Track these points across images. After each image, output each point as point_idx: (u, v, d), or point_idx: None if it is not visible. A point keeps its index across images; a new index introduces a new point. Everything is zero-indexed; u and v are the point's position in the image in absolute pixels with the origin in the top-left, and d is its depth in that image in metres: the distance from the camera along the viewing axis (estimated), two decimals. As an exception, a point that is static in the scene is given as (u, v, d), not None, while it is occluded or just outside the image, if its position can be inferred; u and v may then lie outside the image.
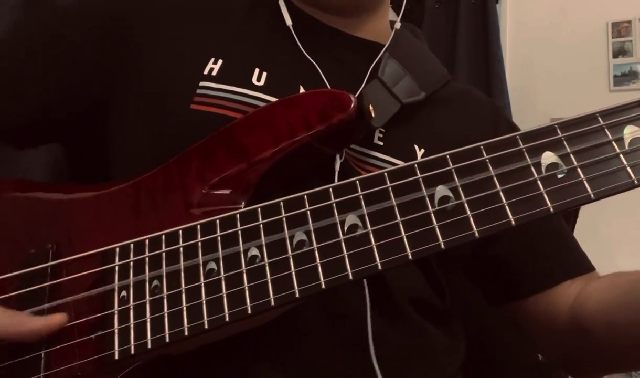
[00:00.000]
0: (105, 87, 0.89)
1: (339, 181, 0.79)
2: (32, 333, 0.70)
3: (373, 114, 0.84)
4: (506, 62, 3.50)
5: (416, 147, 0.90)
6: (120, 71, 0.89)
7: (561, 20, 3.55)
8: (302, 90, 0.87)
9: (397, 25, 0.99)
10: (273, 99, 0.84)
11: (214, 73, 0.86)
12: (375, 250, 0.66)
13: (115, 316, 0.71)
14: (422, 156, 0.89)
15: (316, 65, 0.89)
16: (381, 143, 0.88)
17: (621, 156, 0.64)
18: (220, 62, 0.87)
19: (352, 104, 0.78)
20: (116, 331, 0.70)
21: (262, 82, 0.86)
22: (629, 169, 0.63)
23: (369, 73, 0.91)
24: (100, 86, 0.90)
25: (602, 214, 2.71)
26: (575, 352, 0.94)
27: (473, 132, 0.95)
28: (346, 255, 0.66)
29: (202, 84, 0.85)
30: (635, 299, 0.80)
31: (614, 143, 0.65)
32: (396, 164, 0.87)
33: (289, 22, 0.92)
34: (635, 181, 0.63)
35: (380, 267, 0.66)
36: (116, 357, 0.69)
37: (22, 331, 0.70)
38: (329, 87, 0.87)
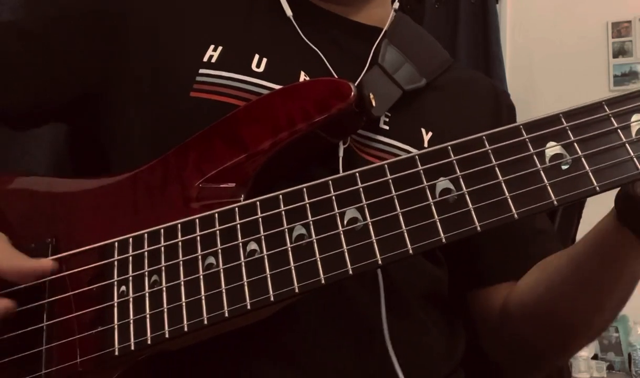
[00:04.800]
0: (103, 73, 0.89)
1: (343, 168, 0.79)
2: (10, 272, 0.71)
3: (374, 103, 0.83)
4: (506, 62, 3.49)
5: (423, 130, 0.89)
6: (119, 58, 0.88)
7: (561, 20, 3.54)
8: (302, 76, 0.86)
9: (396, 4, 0.98)
10: (273, 86, 0.83)
11: (213, 60, 0.85)
12: (375, 244, 0.65)
13: (115, 312, 0.70)
14: (430, 139, 0.88)
15: (318, 51, 0.88)
16: (387, 127, 0.87)
17: (627, 145, 0.62)
18: (220, 49, 0.86)
19: (352, 93, 0.77)
20: (116, 327, 0.70)
21: (261, 69, 0.85)
22: (635, 160, 0.62)
23: (369, 59, 0.90)
24: (98, 72, 0.89)
25: (604, 213, 2.70)
26: (507, 346, 0.96)
27: (476, 114, 0.96)
28: (346, 250, 0.66)
29: (201, 71, 0.84)
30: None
31: (620, 132, 0.63)
32: (403, 149, 0.86)
33: (289, 12, 0.91)
34: None
35: (380, 262, 0.65)
36: (116, 354, 0.69)
37: (19, 266, 0.71)
38: (332, 72, 0.87)
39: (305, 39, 0.89)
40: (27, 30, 0.91)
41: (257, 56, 0.86)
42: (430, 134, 0.89)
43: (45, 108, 0.92)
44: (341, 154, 0.81)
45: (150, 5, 0.91)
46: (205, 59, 0.85)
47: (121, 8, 0.90)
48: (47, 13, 0.92)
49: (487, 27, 3.48)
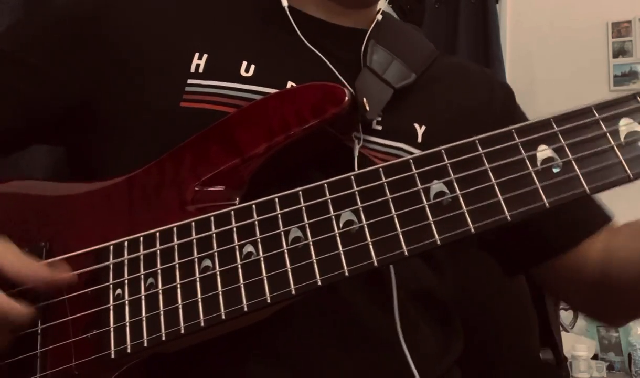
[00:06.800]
0: (90, 88, 0.88)
1: (358, 166, 0.80)
2: (37, 276, 0.71)
3: (367, 107, 0.83)
4: (506, 62, 3.49)
5: (416, 125, 0.89)
6: (105, 72, 0.87)
7: (561, 20, 3.54)
8: (289, 84, 0.85)
9: (379, 16, 0.98)
10: (263, 89, 0.83)
11: (200, 70, 0.85)
12: (371, 246, 0.66)
13: (111, 315, 0.71)
14: (423, 133, 0.88)
15: (315, 51, 0.88)
16: (380, 127, 0.87)
17: (616, 149, 0.63)
18: (205, 56, 0.85)
19: (347, 97, 0.77)
20: (112, 330, 0.70)
21: (250, 73, 0.85)
22: (624, 163, 0.63)
23: (361, 63, 0.90)
24: (84, 87, 0.88)
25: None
26: (604, 299, 0.96)
27: (469, 100, 0.96)
28: (342, 252, 0.66)
29: (190, 81, 0.84)
30: None
31: (609, 136, 0.64)
32: (397, 147, 0.87)
33: (285, 2, 0.91)
34: (631, 176, 0.62)
35: (376, 264, 0.65)
36: (112, 356, 0.69)
37: (26, 272, 0.70)
38: (320, 77, 0.86)
39: (303, 38, 0.89)
40: (11, 51, 0.90)
41: (245, 63, 0.86)
42: (423, 127, 0.89)
43: (34, 128, 0.91)
44: (356, 153, 0.82)
45: (132, 17, 0.89)
46: (193, 68, 0.85)
47: (104, 21, 0.89)
48: (24, 32, 0.92)
49: (487, 27, 3.48)
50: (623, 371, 2.95)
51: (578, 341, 2.83)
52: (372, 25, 0.95)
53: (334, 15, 0.94)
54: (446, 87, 0.97)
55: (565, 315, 3.05)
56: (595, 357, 2.93)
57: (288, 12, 0.90)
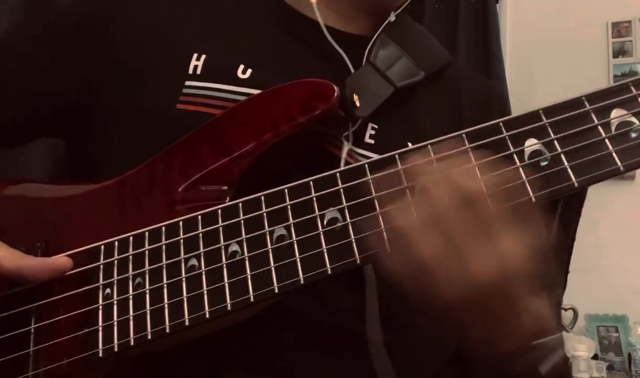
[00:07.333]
0: (90, 88, 0.87)
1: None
2: (36, 268, 0.72)
3: (358, 104, 0.82)
4: (506, 62, 3.48)
5: (410, 145, 0.87)
6: (105, 71, 0.87)
7: (561, 20, 3.53)
8: None
9: (392, 17, 0.94)
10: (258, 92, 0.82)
11: (198, 71, 0.84)
12: (354, 243, 0.65)
13: (100, 314, 0.71)
14: None
15: (332, 40, 0.87)
16: (372, 141, 0.85)
17: (607, 141, 0.62)
18: (203, 57, 0.85)
19: (335, 94, 0.76)
20: (100, 329, 0.70)
21: (247, 76, 0.84)
22: (614, 154, 0.61)
23: (364, 61, 0.88)
24: (85, 87, 0.88)
25: (603, 213, 2.70)
26: None
27: (467, 120, 0.92)
28: (325, 250, 0.66)
29: (187, 83, 0.83)
30: None
31: (599, 128, 0.63)
32: None
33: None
34: (621, 168, 0.61)
35: (358, 262, 0.65)
36: (100, 355, 0.69)
37: (21, 265, 0.72)
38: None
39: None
40: (14, 47, 0.91)
41: (242, 65, 0.85)
42: None
43: (36, 123, 0.91)
44: (344, 155, 0.81)
45: (133, 17, 0.89)
46: (191, 70, 0.84)
47: (106, 20, 0.89)
48: (25, 33, 0.92)
49: (487, 27, 3.47)
50: (623, 371, 2.95)
51: (578, 341, 2.83)
52: (383, 26, 0.92)
53: (342, 21, 0.92)
54: (448, 103, 0.95)
55: (565, 315, 3.05)
56: (595, 357, 2.94)
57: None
